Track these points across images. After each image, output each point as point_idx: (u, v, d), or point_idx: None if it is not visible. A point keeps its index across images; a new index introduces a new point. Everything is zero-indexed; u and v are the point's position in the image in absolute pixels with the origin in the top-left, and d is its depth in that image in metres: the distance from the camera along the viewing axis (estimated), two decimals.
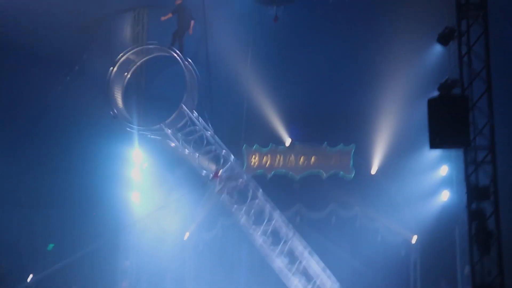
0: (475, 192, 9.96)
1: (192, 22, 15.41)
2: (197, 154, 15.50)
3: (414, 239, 17.14)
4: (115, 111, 15.33)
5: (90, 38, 18.29)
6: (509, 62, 15.56)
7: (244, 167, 17.82)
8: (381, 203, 17.13)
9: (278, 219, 15.91)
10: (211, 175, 15.92)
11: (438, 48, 15.25)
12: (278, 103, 17.56)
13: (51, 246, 17.10)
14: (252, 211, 15.76)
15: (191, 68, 15.16)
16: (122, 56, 15.59)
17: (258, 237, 15.69)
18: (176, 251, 18.00)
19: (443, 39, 10.85)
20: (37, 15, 16.04)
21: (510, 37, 15.68)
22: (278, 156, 18.29)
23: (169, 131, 15.25)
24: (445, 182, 17.46)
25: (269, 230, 15.76)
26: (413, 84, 16.08)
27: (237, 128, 17.89)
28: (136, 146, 18.55)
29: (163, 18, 15.35)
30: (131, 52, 15.76)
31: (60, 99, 16.96)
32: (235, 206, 15.89)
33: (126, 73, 15.89)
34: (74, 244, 16.12)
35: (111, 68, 15.50)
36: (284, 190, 18.31)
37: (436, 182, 17.61)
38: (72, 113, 16.99)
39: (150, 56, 15.96)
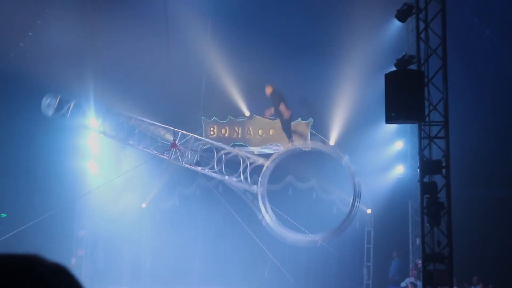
0: (428, 166, 10.20)
1: (281, 104, 15.62)
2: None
3: (368, 212, 17.48)
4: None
5: (45, 4, 17.80)
6: (464, 40, 15.86)
7: (203, 135, 17.75)
8: (337, 176, 17.35)
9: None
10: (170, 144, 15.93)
11: (397, 24, 15.37)
12: (237, 76, 17.49)
13: (3, 215, 16.76)
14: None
15: (357, 204, 15.48)
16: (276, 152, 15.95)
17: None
18: (134, 220, 17.94)
19: (401, 15, 10.95)
20: None
21: (466, 16, 15.95)
22: (237, 128, 18.25)
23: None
24: (400, 157, 17.82)
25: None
26: (371, 59, 16.21)
27: (196, 100, 17.80)
28: (93, 116, 18.33)
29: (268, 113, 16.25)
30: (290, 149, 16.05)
31: (14, 66, 16.49)
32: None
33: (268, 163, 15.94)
34: (28, 214, 15.84)
35: (267, 163, 15.87)
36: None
37: (391, 157, 17.96)
38: (26, 82, 16.55)
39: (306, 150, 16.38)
